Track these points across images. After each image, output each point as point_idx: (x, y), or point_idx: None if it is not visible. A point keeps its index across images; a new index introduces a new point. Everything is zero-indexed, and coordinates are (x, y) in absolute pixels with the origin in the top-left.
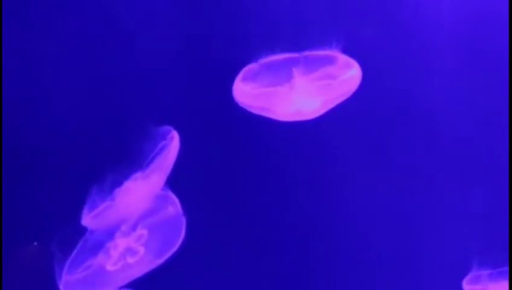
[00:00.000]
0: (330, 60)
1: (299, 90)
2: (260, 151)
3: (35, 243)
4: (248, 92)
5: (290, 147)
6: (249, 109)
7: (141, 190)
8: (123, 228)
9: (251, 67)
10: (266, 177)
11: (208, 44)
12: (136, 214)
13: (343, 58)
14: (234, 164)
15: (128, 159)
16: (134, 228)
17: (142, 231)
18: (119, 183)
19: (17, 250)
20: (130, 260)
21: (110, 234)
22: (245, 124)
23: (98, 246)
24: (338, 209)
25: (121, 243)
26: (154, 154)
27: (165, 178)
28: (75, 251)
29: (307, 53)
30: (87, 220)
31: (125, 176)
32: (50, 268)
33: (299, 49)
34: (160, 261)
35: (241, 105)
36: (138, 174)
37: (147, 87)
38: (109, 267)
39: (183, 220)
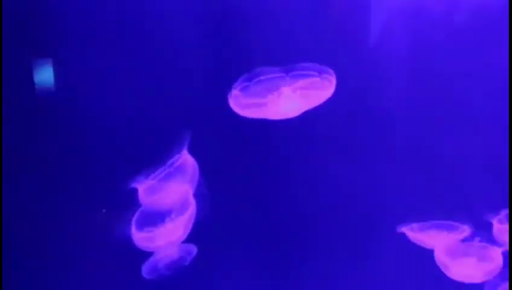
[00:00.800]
0: (310, 74)
1: (285, 99)
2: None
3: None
4: (243, 101)
5: (277, 143)
6: (243, 114)
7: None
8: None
9: (245, 78)
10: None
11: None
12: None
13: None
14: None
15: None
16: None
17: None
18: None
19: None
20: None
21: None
22: (243, 128)
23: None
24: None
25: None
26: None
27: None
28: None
29: (292, 68)
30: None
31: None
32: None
33: (286, 62)
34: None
35: (237, 112)
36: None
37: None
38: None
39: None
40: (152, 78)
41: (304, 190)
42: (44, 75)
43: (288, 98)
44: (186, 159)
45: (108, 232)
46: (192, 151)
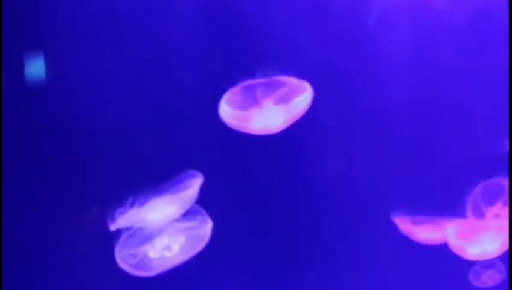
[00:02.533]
0: (289, 84)
1: (266, 110)
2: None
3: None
4: (229, 113)
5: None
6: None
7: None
8: (168, 230)
9: (231, 92)
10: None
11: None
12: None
13: (299, 82)
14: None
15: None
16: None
17: (180, 236)
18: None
19: (80, 214)
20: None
21: (159, 231)
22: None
23: (147, 238)
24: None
25: (163, 240)
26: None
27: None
28: (127, 236)
29: (273, 79)
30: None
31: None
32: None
33: (269, 74)
34: (186, 258)
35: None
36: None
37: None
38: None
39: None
40: (147, 77)
41: (302, 188)
42: (37, 72)
43: (270, 110)
44: (181, 182)
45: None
46: (185, 153)
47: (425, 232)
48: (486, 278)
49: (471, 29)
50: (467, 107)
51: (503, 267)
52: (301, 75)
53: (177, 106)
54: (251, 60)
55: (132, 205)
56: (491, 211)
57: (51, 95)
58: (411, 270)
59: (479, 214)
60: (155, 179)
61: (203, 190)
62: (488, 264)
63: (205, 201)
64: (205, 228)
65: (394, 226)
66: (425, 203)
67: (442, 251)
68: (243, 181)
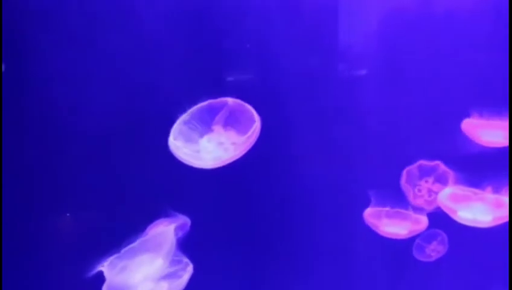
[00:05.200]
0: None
1: (216, 141)
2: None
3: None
4: (177, 146)
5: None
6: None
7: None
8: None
9: (178, 125)
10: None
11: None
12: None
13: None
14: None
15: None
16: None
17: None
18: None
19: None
20: None
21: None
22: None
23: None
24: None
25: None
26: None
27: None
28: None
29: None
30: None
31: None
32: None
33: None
34: None
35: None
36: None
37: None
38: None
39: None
40: (126, 79)
41: (276, 191)
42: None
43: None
44: (161, 231)
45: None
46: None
47: (391, 226)
48: (430, 251)
49: (441, 31)
50: (434, 109)
51: (446, 238)
52: (275, 79)
53: (153, 109)
54: (224, 63)
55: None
56: (425, 187)
57: (28, 96)
58: (382, 265)
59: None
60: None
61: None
62: (430, 236)
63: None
64: (187, 271)
65: (364, 223)
66: (391, 197)
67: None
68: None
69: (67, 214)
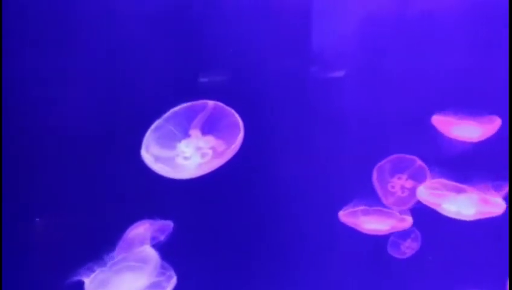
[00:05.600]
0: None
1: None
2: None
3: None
4: (151, 159)
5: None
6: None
7: None
8: None
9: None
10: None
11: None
12: None
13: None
14: None
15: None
16: None
17: None
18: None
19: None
20: None
21: None
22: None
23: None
24: None
25: None
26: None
27: None
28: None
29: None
30: None
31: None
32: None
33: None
34: None
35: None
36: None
37: None
38: None
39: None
40: (98, 80)
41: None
42: None
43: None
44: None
45: None
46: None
47: (371, 223)
48: (405, 249)
49: (417, 31)
50: (412, 109)
51: (419, 235)
52: (251, 80)
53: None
54: (200, 65)
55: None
56: (398, 183)
57: (6, 96)
58: (362, 263)
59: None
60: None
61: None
62: (404, 234)
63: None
64: (170, 283)
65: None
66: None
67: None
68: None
69: (37, 219)
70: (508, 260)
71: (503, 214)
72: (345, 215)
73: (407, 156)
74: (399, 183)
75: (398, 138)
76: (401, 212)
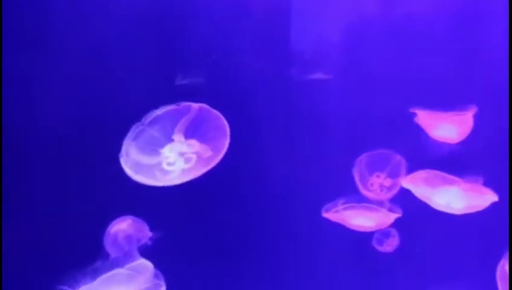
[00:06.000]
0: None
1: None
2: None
3: None
4: (133, 162)
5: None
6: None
7: None
8: None
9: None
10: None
11: None
12: None
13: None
14: None
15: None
16: None
17: None
18: None
19: None
20: None
21: None
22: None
23: None
24: None
25: None
26: None
27: None
28: None
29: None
30: None
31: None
32: None
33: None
34: None
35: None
36: None
37: None
38: None
39: None
40: (82, 82)
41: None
42: None
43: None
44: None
45: None
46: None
47: (357, 218)
48: (387, 246)
49: (396, 33)
50: (394, 110)
51: (395, 232)
52: (229, 82)
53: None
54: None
55: None
56: (376, 182)
57: None
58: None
59: (365, 184)
60: None
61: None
62: (386, 231)
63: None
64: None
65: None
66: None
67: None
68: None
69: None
70: (508, 260)
71: (488, 209)
72: (332, 213)
73: (386, 151)
74: (378, 182)
75: (381, 138)
76: (386, 208)
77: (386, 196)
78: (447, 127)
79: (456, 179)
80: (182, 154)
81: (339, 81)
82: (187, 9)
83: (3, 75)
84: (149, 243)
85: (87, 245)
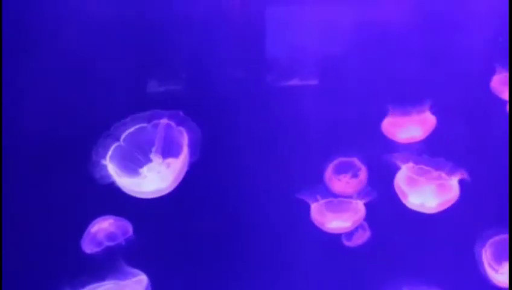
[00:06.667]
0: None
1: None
2: None
3: None
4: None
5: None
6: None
7: None
8: None
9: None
10: None
11: None
12: None
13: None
14: None
15: None
16: None
17: None
18: None
19: None
20: None
21: None
22: None
23: None
24: None
25: None
26: None
27: None
28: None
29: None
30: None
31: None
32: None
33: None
34: None
35: None
36: None
37: None
38: None
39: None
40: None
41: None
42: None
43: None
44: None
45: None
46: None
47: (334, 220)
48: (356, 239)
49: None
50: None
51: (367, 226)
52: (208, 89)
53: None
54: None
55: None
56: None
57: None
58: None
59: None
60: None
61: None
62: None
63: None
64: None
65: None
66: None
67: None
68: None
69: None
70: (509, 260)
71: (457, 203)
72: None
73: (348, 158)
74: (344, 181)
75: (355, 141)
76: (356, 203)
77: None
78: (411, 129)
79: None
80: (159, 172)
81: (315, 87)
82: (166, 17)
83: None
84: (129, 241)
85: (68, 248)
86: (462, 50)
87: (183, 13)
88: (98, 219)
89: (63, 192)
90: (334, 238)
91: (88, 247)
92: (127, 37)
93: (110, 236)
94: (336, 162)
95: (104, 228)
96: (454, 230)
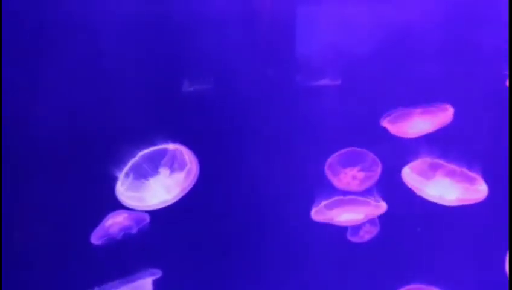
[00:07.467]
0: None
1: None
2: None
3: None
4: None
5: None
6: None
7: None
8: None
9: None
10: None
11: None
12: None
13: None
14: None
15: None
16: None
17: None
18: None
19: None
20: None
21: None
22: None
23: None
24: None
25: None
26: None
27: None
28: None
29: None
30: None
31: None
32: None
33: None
34: None
35: None
36: None
37: None
38: None
39: None
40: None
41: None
42: None
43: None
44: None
45: None
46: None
47: (344, 215)
48: (364, 233)
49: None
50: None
51: (377, 221)
52: (233, 89)
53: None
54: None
55: None
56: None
57: None
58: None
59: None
60: None
61: None
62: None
63: None
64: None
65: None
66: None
67: None
68: None
69: None
70: (509, 259)
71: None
72: (319, 211)
73: (360, 149)
74: (350, 174)
75: (376, 141)
76: (375, 200)
77: (359, 188)
78: (421, 122)
79: (451, 168)
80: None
81: (344, 86)
82: (195, 16)
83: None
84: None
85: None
86: (480, 49)
87: (214, 12)
88: (112, 213)
89: (73, 191)
90: (346, 239)
91: (99, 240)
92: (155, 36)
93: (125, 229)
94: (346, 152)
95: (118, 221)
96: (467, 229)
